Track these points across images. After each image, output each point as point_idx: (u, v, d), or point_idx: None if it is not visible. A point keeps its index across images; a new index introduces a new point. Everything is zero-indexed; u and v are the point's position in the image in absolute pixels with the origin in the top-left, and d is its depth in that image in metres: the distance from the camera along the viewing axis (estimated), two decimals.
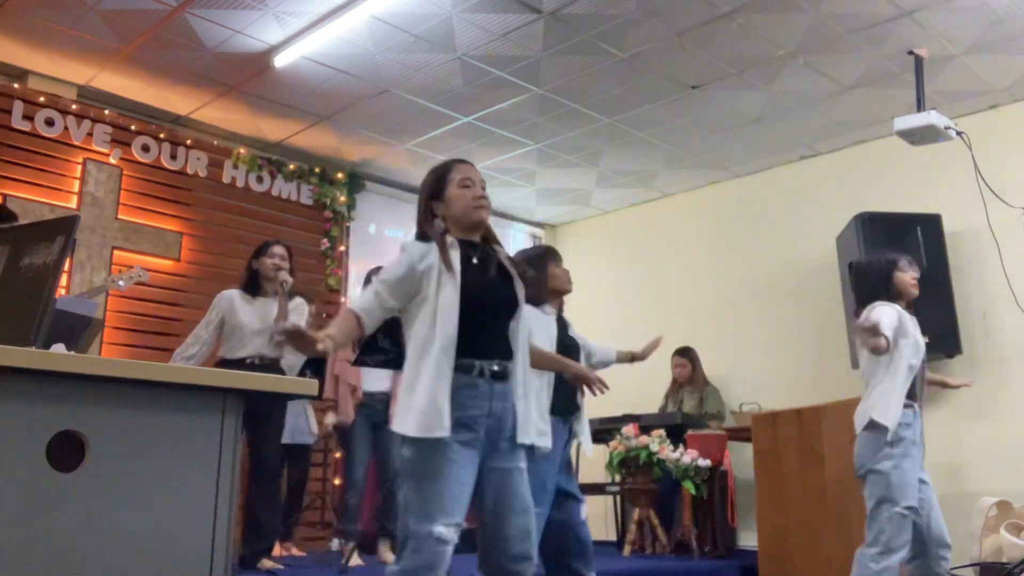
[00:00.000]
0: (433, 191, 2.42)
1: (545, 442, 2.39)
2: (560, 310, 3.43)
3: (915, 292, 3.51)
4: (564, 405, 3.26)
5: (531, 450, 2.33)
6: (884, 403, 3.30)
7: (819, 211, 6.06)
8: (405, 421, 2.19)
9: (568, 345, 3.31)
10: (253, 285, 4.15)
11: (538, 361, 2.68)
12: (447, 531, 2.12)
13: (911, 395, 3.38)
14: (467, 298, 2.26)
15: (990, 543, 4.39)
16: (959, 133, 4.72)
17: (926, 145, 4.79)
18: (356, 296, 2.25)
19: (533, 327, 2.97)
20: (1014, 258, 5.07)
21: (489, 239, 2.46)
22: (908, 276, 3.49)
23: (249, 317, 4.07)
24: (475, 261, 2.35)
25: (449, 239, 2.35)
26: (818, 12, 4.44)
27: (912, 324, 3.42)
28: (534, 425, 2.33)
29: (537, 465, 3.01)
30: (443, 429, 2.14)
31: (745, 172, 6.65)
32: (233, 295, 4.13)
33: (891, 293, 3.47)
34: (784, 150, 6.23)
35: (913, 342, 3.37)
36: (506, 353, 2.31)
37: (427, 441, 2.16)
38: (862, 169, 6.00)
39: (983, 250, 5.20)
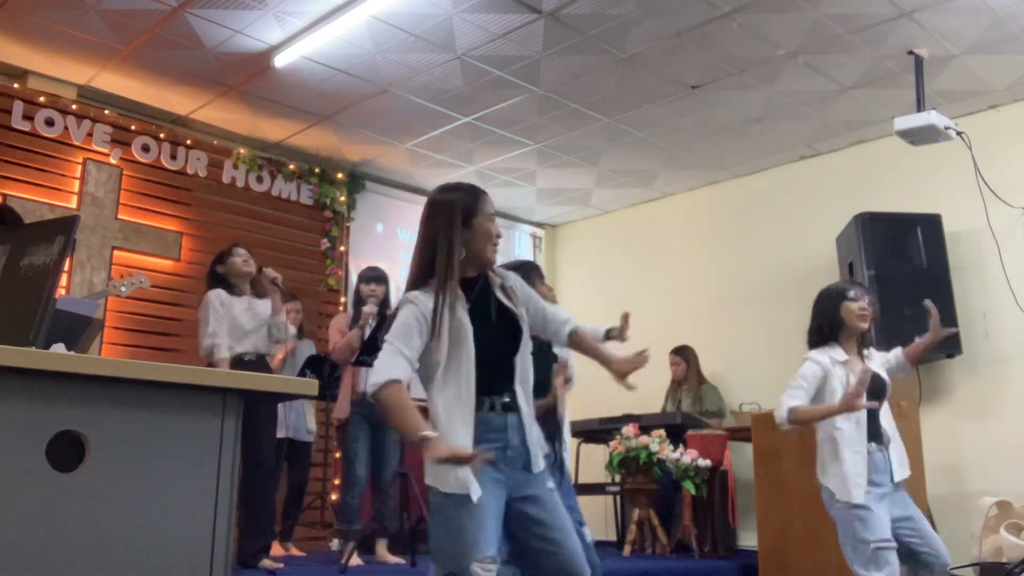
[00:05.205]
0: (466, 214, 2.27)
1: (543, 462, 2.32)
2: None
3: (861, 326, 3.37)
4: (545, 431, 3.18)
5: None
6: (837, 479, 3.23)
7: (819, 211, 6.06)
8: (438, 475, 2.16)
9: (545, 361, 3.13)
10: (226, 288, 4.18)
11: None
12: (482, 568, 2.11)
13: (868, 435, 3.28)
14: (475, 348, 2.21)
15: (990, 543, 4.39)
16: (959, 133, 4.72)
17: (926, 145, 4.79)
18: (383, 359, 2.11)
19: None
20: (1014, 258, 5.07)
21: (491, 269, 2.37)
22: (855, 307, 3.36)
23: (243, 314, 4.12)
24: (471, 306, 2.26)
25: (454, 291, 2.23)
26: (818, 12, 4.44)
27: (843, 371, 3.30)
28: (540, 448, 2.31)
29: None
30: (475, 491, 2.12)
31: (745, 172, 6.65)
32: (221, 293, 4.15)
33: (835, 328, 3.37)
34: (784, 150, 6.23)
35: (844, 389, 3.26)
36: (510, 386, 2.28)
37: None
38: (862, 169, 6.00)
39: (983, 250, 5.20)
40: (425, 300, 2.21)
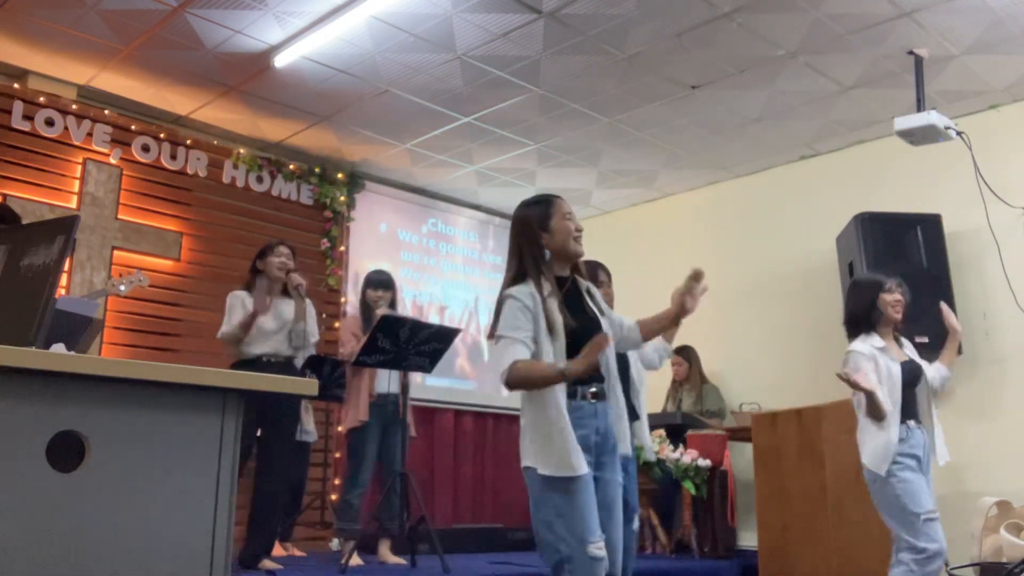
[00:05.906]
0: (541, 222, 2.57)
1: (627, 448, 2.57)
2: None
3: (896, 316, 3.56)
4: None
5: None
6: (872, 451, 3.44)
7: (819, 211, 6.06)
8: (548, 462, 2.34)
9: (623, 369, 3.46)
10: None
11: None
12: (598, 549, 2.29)
13: (906, 414, 3.49)
14: (567, 337, 2.44)
15: (990, 543, 4.39)
16: (959, 133, 4.72)
17: (926, 145, 4.79)
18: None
19: None
20: (1014, 258, 5.07)
21: (578, 269, 2.65)
22: (891, 299, 3.56)
23: (264, 316, 4.14)
24: (564, 301, 2.52)
25: (547, 288, 2.48)
26: (818, 12, 4.44)
27: (884, 357, 3.50)
28: (626, 436, 2.55)
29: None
30: (583, 467, 2.33)
31: (745, 172, 6.65)
32: (244, 295, 4.20)
33: (872, 319, 3.57)
34: (784, 150, 6.23)
35: (885, 375, 3.47)
36: (599, 376, 2.51)
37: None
38: (862, 169, 6.00)
39: (983, 250, 5.20)
40: (523, 292, 2.46)
